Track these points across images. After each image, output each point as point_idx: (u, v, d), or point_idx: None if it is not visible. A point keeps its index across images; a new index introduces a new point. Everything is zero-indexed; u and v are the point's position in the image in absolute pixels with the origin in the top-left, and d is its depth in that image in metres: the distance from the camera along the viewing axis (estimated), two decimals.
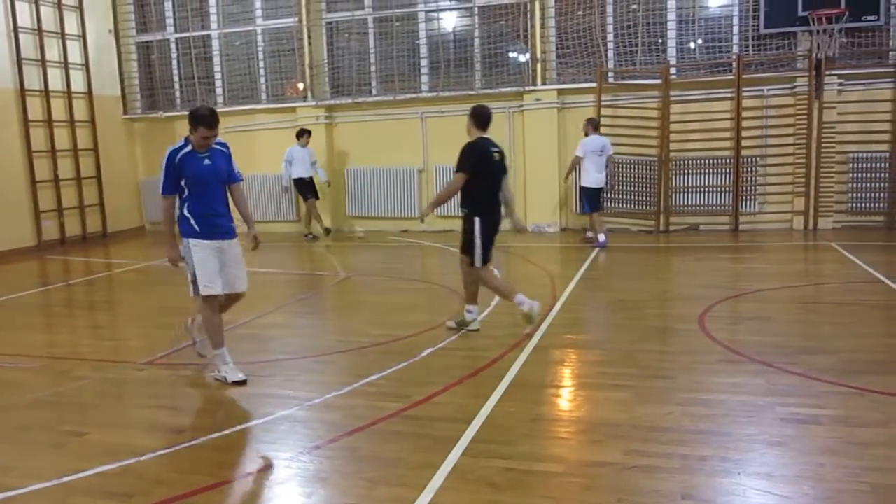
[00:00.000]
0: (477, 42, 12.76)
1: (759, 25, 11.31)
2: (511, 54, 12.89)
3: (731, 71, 11.58)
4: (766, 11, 11.17)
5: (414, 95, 13.00)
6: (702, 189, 11.83)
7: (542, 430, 4.08)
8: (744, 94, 11.41)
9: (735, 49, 11.68)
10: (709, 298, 6.94)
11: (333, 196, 13.35)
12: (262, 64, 13.98)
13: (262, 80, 14.03)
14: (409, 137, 13.05)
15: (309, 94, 13.50)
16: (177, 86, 14.59)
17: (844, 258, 8.97)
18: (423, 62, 13.11)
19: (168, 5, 14.33)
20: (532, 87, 12.32)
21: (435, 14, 13.12)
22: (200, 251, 4.93)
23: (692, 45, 12.12)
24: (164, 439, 4.03)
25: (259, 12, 13.81)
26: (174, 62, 14.53)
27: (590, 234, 10.93)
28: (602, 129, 11.95)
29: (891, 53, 11.11)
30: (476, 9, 12.71)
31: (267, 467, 3.70)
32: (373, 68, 13.37)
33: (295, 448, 3.90)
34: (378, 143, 13.20)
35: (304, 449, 3.88)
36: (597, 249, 10.31)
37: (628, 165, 12.09)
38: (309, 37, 13.34)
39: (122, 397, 4.99)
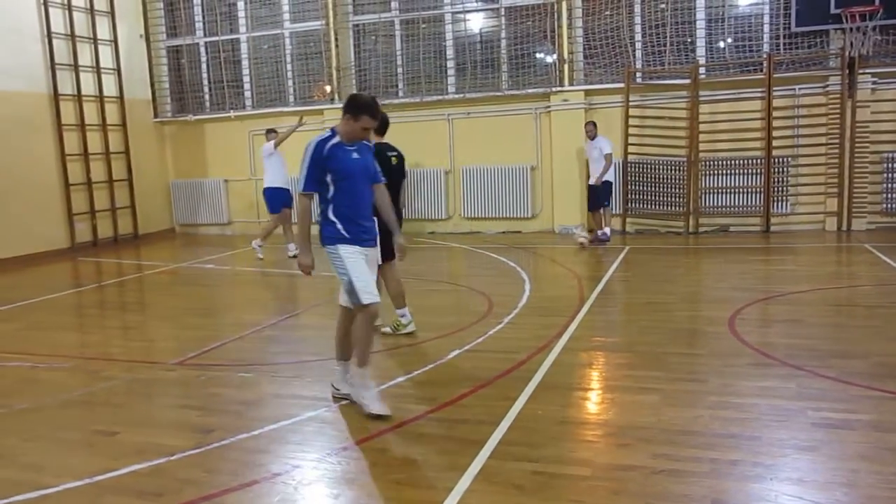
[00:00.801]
0: (503, 43, 12.75)
1: (791, 24, 11.15)
2: (538, 55, 12.85)
3: (761, 70, 11.42)
4: (797, 9, 11.01)
5: (440, 97, 13.01)
6: (732, 190, 11.69)
7: (570, 432, 4.06)
8: (774, 93, 11.25)
9: (766, 48, 11.52)
10: (739, 301, 6.85)
11: None
12: (289, 67, 14.11)
13: (290, 82, 14.15)
14: (436, 139, 13.06)
15: (336, 96, 13.57)
16: (206, 89, 14.78)
17: (878, 260, 8.80)
18: (450, 64, 13.13)
19: (197, 10, 14.52)
20: (559, 88, 12.27)
21: (461, 15, 13.13)
22: (354, 257, 4.37)
23: (721, 44, 11.98)
24: (193, 439, 4.08)
25: (286, 16, 13.93)
26: (203, 66, 14.72)
27: (603, 230, 11.20)
28: (630, 130, 11.96)
29: None
30: (503, 10, 12.70)
31: (295, 468, 3.72)
32: (399, 70, 13.42)
33: (322, 449, 3.92)
34: (404, 145, 13.00)
35: (332, 450, 3.89)
36: (626, 249, 10.24)
37: (657, 166, 11.99)
38: (336, 39, 13.43)
39: (152, 397, 5.05)
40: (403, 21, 13.29)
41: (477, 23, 13.27)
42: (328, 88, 13.86)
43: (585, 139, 11.42)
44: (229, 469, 3.71)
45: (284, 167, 10.82)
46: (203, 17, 14.55)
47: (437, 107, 13.01)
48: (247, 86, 14.43)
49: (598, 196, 11.14)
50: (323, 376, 5.15)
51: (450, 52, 13.13)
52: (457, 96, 12.96)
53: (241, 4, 14.22)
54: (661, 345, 5.65)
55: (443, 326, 6.34)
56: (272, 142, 10.80)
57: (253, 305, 8.08)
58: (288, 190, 10.75)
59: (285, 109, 13.97)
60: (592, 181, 11.15)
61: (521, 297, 7.44)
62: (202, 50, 14.66)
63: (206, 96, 14.81)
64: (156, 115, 14.86)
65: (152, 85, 14.79)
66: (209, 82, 14.75)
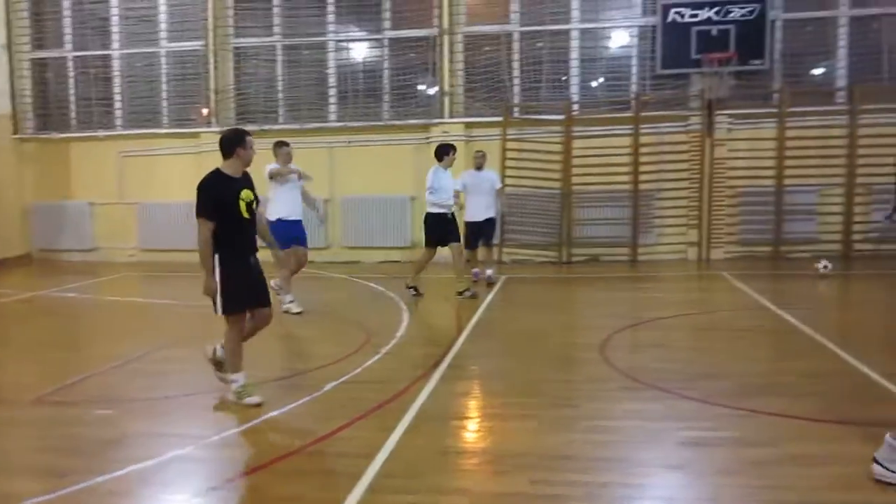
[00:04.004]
0: (386, 73, 12.83)
1: (656, 66, 11.89)
2: (419, 87, 13.01)
3: (629, 109, 12.07)
4: (662, 53, 11.76)
5: (321, 125, 12.90)
6: (602, 221, 12.21)
7: (449, 462, 4.05)
8: (641, 130, 11.91)
9: (633, 88, 12.20)
10: (609, 327, 7.11)
11: None
12: (164, 87, 13.58)
13: (165, 103, 13.61)
14: (316, 167, 12.86)
15: (213, 119, 13.19)
16: (73, 106, 13.96)
17: (735, 287, 9.41)
18: (332, 91, 13.06)
19: (67, 21, 13.75)
20: (440, 120, 12.46)
21: (344, 44, 13.13)
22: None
23: (593, 83, 12.58)
24: (46, 483, 3.75)
25: (164, 34, 13.43)
26: (71, 81, 13.91)
27: (485, 271, 10.19)
28: (508, 163, 12.24)
29: (774, 95, 11.86)
30: (386, 40, 12.80)
31: None
32: (280, 96, 13.21)
33: (189, 491, 3.72)
34: None
35: (200, 491, 3.69)
36: (503, 279, 10.43)
37: (532, 198, 12.36)
38: (215, 61, 13.07)
39: (2, 439, 4.63)
40: (286, 46, 13.12)
41: (360, 52, 13.30)
42: (205, 111, 13.45)
43: (466, 169, 10.41)
44: None
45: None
46: (72, 30, 13.79)
47: (318, 134, 12.88)
48: (118, 104, 13.76)
49: (483, 233, 10.04)
50: (191, 413, 4.91)
51: (332, 80, 13.06)
52: (338, 125, 12.89)
53: (114, 19, 13.59)
54: (536, 372, 5.77)
55: (319, 357, 6.21)
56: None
57: (118, 337, 7.58)
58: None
59: (159, 131, 13.42)
60: (480, 217, 9.94)
61: (400, 327, 7.41)
62: (70, 64, 13.87)
63: (73, 113, 13.99)
64: (16, 132, 13.83)
65: (13, 99, 13.80)
66: (76, 99, 13.95)
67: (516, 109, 12.51)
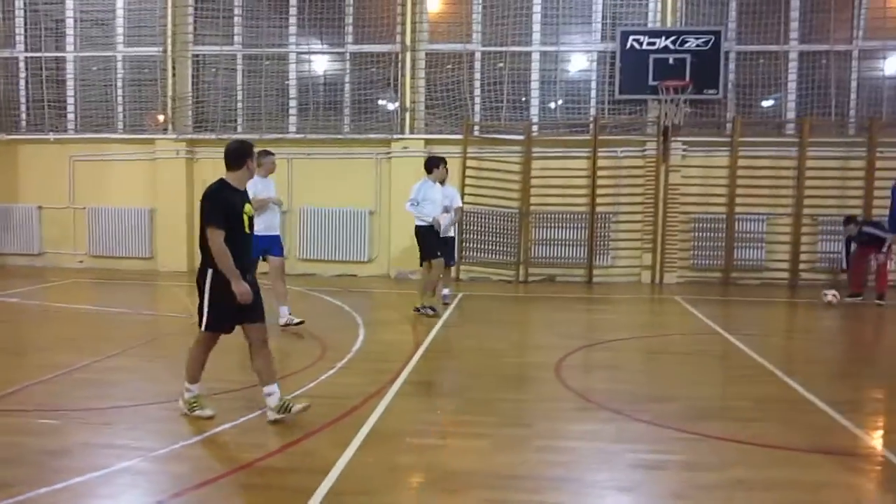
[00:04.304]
0: (347, 87, 12.83)
1: (615, 91, 12.11)
2: (381, 101, 13.03)
3: (588, 132, 12.27)
4: (620, 79, 12.00)
5: (281, 136, 12.81)
6: (559, 242, 12.35)
7: (401, 480, 4.02)
8: (599, 154, 12.11)
9: (592, 111, 12.41)
10: (564, 347, 7.17)
11: (190, 234, 12.81)
12: (120, 92, 13.33)
13: (120, 108, 13.36)
14: (275, 178, 12.76)
15: (170, 126, 12.99)
16: (23, 107, 13.61)
17: (687, 311, 9.59)
18: (292, 103, 12.99)
19: (19, 21, 13.43)
20: (400, 136, 12.48)
21: (306, 56, 13.08)
22: None
23: (553, 105, 12.77)
24: None
25: (121, 38, 13.21)
26: (22, 82, 13.58)
27: (445, 290, 9.85)
28: (467, 181, 12.32)
29: (727, 125, 12.19)
30: (348, 54, 12.80)
31: None
32: (239, 105, 13.08)
33: None
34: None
35: None
36: (459, 296, 10.44)
37: (491, 217, 12.44)
38: (174, 68, 12.90)
39: None
40: (246, 56, 13.02)
41: (322, 65, 13.27)
42: (161, 118, 13.24)
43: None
44: None
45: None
46: (25, 31, 13.48)
47: (277, 145, 12.72)
48: (71, 108, 13.46)
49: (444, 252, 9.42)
50: (138, 424, 4.79)
51: (293, 92, 13.00)
52: (297, 136, 12.82)
53: (70, 21, 13.32)
54: (491, 390, 5.78)
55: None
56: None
57: (64, 345, 7.36)
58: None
59: (112, 136, 13.18)
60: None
61: (356, 342, 7.37)
62: (22, 65, 13.54)
63: (24, 115, 13.63)
64: None
65: None
66: (27, 100, 13.61)
67: (477, 128, 12.61)
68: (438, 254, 8.83)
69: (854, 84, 12.13)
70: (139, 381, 5.94)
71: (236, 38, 12.99)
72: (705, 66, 11.75)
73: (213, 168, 12.95)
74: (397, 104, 12.66)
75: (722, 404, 5.58)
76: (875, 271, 10.43)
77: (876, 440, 4.80)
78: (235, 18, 12.96)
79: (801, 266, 12.02)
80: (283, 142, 12.77)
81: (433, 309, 8.80)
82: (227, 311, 4.74)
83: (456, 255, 10.76)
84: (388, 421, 4.91)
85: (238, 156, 4.82)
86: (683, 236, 12.27)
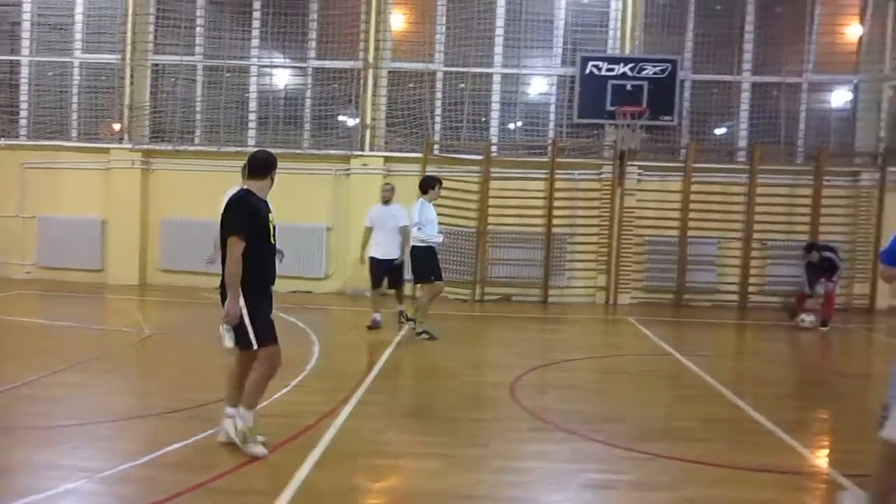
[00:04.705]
0: (308, 102, 12.79)
1: (573, 115, 12.33)
2: (341, 117, 13.02)
3: (546, 154, 12.43)
4: (579, 103, 12.23)
5: (239, 149, 12.67)
6: (515, 262, 12.45)
7: (356, 501, 4.00)
8: (556, 175, 12.27)
9: (551, 134, 12.59)
10: (520, 367, 7.22)
11: (143, 247, 12.57)
12: (75, 99, 13.07)
13: (75, 115, 13.10)
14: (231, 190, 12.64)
15: (126, 135, 12.77)
16: None
17: (640, 332, 9.74)
18: (252, 116, 12.90)
19: None
20: (360, 152, 12.47)
21: (268, 69, 13.02)
22: None
23: (512, 126, 12.92)
24: None
25: (78, 44, 12.97)
26: None
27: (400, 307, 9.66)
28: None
29: (681, 150, 12.49)
30: (310, 69, 12.78)
31: None
32: (198, 116, 12.94)
33: None
34: (198, 194, 12.64)
35: None
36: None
37: (448, 236, 12.43)
38: (132, 76, 12.70)
39: None
40: (207, 67, 12.90)
41: (283, 79, 13.22)
42: (117, 126, 13.02)
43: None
44: None
45: None
46: None
47: (235, 158, 12.60)
48: (23, 113, 13.14)
49: (390, 272, 9.45)
50: (86, 443, 4.67)
51: (253, 105, 12.91)
52: (256, 150, 12.68)
53: (25, 24, 13.04)
54: (447, 410, 5.79)
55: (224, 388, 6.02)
56: None
57: (9, 359, 7.13)
58: None
59: (66, 144, 12.89)
60: (381, 255, 9.28)
61: (310, 360, 7.31)
62: None
63: None
64: None
65: None
66: None
67: (436, 147, 12.67)
68: (432, 277, 8.76)
69: (803, 115, 12.60)
70: (87, 398, 5.79)
71: (197, 49, 12.86)
72: (662, 93, 12.04)
73: (168, 179, 12.79)
74: (358, 121, 12.66)
75: (671, 424, 5.68)
76: (823, 297, 10.68)
77: (821, 459, 4.95)
78: (197, 28, 12.84)
79: (751, 289, 12.32)
80: (241, 154, 12.58)
81: (429, 333, 8.60)
82: (270, 322, 4.61)
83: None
84: (343, 441, 4.88)
85: (264, 165, 4.83)
86: (637, 258, 12.48)
